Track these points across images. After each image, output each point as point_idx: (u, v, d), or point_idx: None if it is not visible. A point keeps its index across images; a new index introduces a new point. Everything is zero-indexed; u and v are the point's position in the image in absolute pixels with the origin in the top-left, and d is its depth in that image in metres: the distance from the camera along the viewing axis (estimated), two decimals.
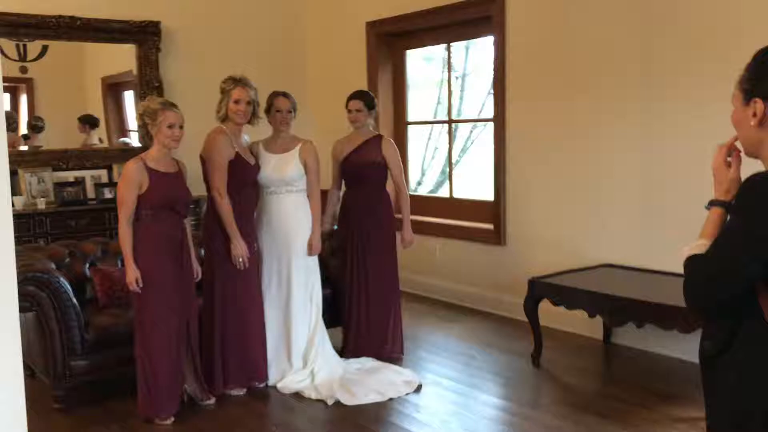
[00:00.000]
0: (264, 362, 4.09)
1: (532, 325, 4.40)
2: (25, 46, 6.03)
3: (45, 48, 6.03)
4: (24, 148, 6.10)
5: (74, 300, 3.77)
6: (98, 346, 3.81)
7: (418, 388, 4.06)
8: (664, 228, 4.46)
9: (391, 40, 6.49)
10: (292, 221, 4.19)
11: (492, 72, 5.51)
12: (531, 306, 4.38)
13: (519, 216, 5.41)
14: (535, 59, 5.18)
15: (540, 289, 4.32)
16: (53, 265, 4.17)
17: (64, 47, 6.08)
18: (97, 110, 6.54)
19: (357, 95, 4.58)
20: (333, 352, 4.35)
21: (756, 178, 1.51)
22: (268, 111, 4.22)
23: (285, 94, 4.22)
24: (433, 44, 6.37)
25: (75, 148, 6.19)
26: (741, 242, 1.49)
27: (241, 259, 3.84)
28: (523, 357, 4.51)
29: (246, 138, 4.15)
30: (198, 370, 3.70)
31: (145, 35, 6.24)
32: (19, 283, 3.52)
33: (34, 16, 5.70)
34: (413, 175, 6.99)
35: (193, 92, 6.52)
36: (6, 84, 6.30)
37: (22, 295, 3.59)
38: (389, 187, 4.65)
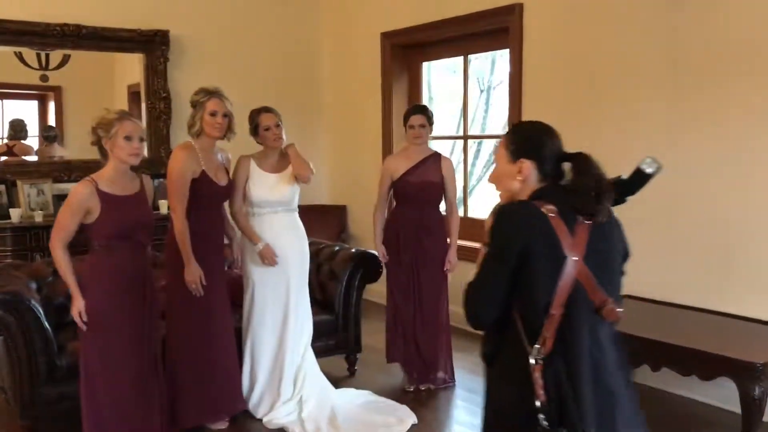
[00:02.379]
0: (238, 391, 3.83)
1: None
2: (47, 55, 5.92)
3: (67, 57, 5.92)
4: (33, 158, 5.99)
5: (45, 324, 3.55)
6: (72, 374, 3.57)
7: (412, 427, 3.76)
8: (687, 257, 4.10)
9: (406, 52, 6.23)
10: (288, 242, 3.95)
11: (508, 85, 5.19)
12: None
13: None
14: (552, 72, 4.86)
15: None
16: (34, 285, 4.00)
17: (92, 56, 5.97)
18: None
19: (419, 110, 4.30)
20: (324, 380, 4.10)
21: (501, 209, 1.92)
22: (255, 132, 3.96)
23: (268, 110, 3.96)
24: (450, 56, 6.08)
25: (80, 159, 6.04)
26: (492, 259, 1.86)
27: (195, 285, 3.54)
28: None
29: (220, 156, 3.85)
30: (163, 407, 3.37)
31: (152, 45, 6.07)
32: None
33: (37, 24, 5.56)
34: None
35: None
36: (33, 92, 6.25)
37: None
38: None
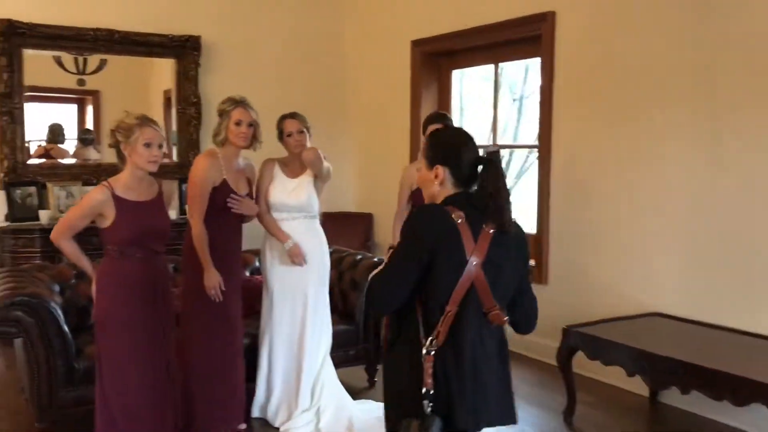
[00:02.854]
0: (242, 402, 3.79)
1: (565, 379, 3.94)
2: (85, 59, 6.00)
3: (104, 62, 5.99)
4: (71, 160, 6.06)
5: (65, 327, 3.55)
6: (90, 377, 3.56)
7: None
8: (721, 275, 3.95)
9: (436, 60, 6.16)
10: (307, 249, 3.91)
11: (539, 95, 5.09)
12: (565, 357, 3.93)
13: (563, 252, 4.94)
14: (584, 83, 4.74)
15: (574, 340, 3.87)
16: (57, 287, 4.02)
17: (129, 61, 6.05)
18: (159, 123, 6.35)
19: (437, 118, 4.08)
20: (342, 391, 4.03)
21: (416, 210, 2.17)
22: (281, 137, 3.95)
23: (293, 115, 3.93)
24: (480, 64, 6.00)
25: (111, 162, 6.09)
26: (403, 256, 2.04)
27: (213, 291, 3.50)
28: (555, 412, 4.05)
29: (243, 164, 3.81)
30: (177, 413, 3.33)
31: (184, 50, 6.11)
32: (6, 306, 3.42)
33: (71, 28, 5.63)
34: None
35: None
36: (72, 96, 6.34)
37: (8, 320, 3.41)
38: None
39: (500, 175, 2.08)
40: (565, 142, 4.90)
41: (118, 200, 2.98)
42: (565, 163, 4.91)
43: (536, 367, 4.90)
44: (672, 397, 4.12)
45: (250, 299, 4.28)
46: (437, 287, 2.00)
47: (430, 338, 1.99)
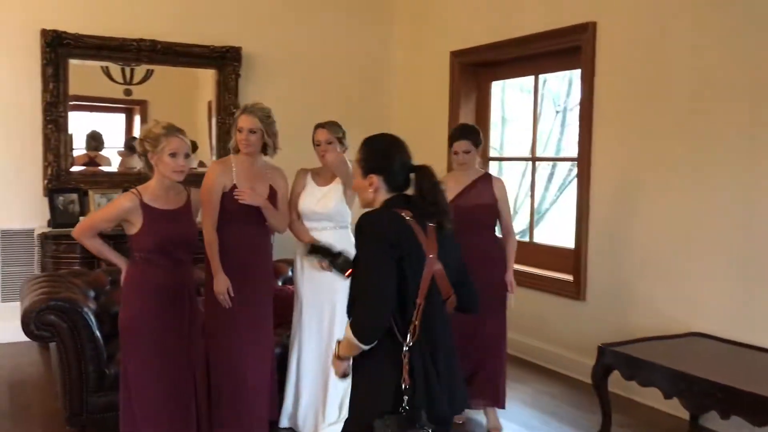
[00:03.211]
0: (267, 409, 3.73)
1: (600, 399, 3.82)
2: (132, 70, 6.12)
3: (150, 72, 6.11)
4: (112, 168, 6.17)
5: (97, 333, 3.59)
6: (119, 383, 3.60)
7: None
8: (766, 295, 3.78)
9: (476, 71, 6.11)
10: None
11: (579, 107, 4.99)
12: (600, 376, 3.81)
13: (601, 268, 4.82)
14: (626, 95, 4.63)
15: (610, 358, 3.75)
16: (92, 293, 4.07)
17: (175, 72, 6.14)
18: (203, 133, 6.49)
19: (463, 134, 4.00)
20: None
21: (364, 219, 2.15)
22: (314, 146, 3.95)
23: (323, 125, 3.91)
24: (520, 76, 5.92)
25: None
26: (375, 266, 2.06)
27: (222, 297, 3.46)
28: None
29: (262, 169, 3.72)
30: (201, 422, 3.30)
31: (224, 60, 6.18)
32: (40, 311, 3.47)
33: (114, 39, 5.75)
34: None
35: None
36: (120, 105, 6.48)
37: (43, 324, 3.47)
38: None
39: (436, 183, 2.19)
40: (606, 156, 4.79)
41: (145, 208, 3.00)
42: (606, 178, 4.79)
43: (570, 385, 4.78)
44: (714, 421, 3.96)
45: (282, 309, 4.27)
46: (408, 283, 2.08)
47: (409, 334, 2.06)
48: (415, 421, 2.02)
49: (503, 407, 4.06)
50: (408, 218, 2.13)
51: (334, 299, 3.84)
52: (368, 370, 2.15)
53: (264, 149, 3.64)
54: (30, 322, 3.44)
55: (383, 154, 2.23)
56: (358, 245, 2.13)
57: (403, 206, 2.17)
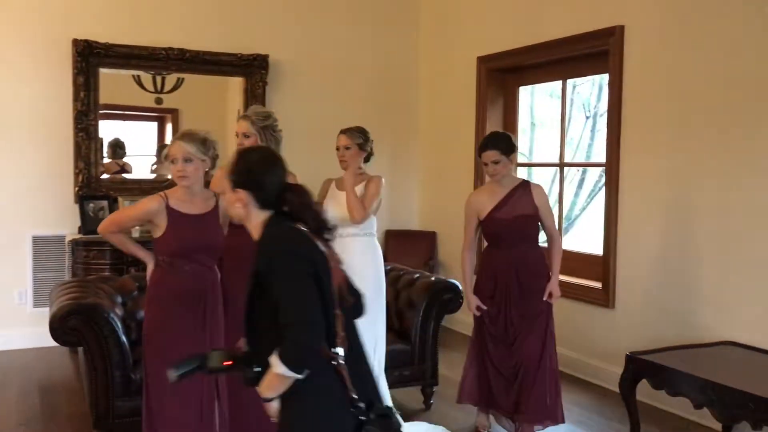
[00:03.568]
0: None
1: (628, 409, 3.74)
2: (163, 78, 6.20)
3: (181, 80, 6.18)
4: (149, 176, 6.25)
5: (123, 338, 3.63)
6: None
7: None
8: None
9: (502, 76, 6.07)
10: (356, 268, 3.84)
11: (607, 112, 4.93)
12: (628, 386, 3.73)
13: (631, 275, 4.74)
14: (655, 100, 4.55)
15: (638, 367, 3.67)
16: (119, 299, 4.11)
17: (205, 80, 6.21)
18: (234, 140, 6.49)
19: (490, 143, 3.75)
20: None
21: (266, 237, 2.06)
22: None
23: (345, 131, 3.91)
24: (548, 80, 5.87)
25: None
26: (297, 284, 1.94)
27: None
28: None
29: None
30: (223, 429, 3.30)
31: (252, 68, 6.22)
32: (66, 316, 3.52)
33: (144, 48, 5.83)
34: None
35: (298, 127, 6.44)
36: (153, 114, 6.58)
37: (69, 329, 3.51)
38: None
39: (308, 203, 2.11)
40: (635, 162, 4.71)
41: (170, 211, 3.03)
42: (634, 184, 4.72)
43: (599, 394, 4.70)
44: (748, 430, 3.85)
45: None
46: (325, 295, 2.00)
47: (338, 347, 1.99)
48: (392, 426, 2.00)
49: (563, 421, 3.87)
50: (305, 229, 2.07)
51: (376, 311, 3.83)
52: (307, 400, 1.99)
53: None
54: (57, 326, 3.49)
55: (254, 170, 2.11)
56: (268, 265, 1.98)
57: (293, 220, 2.10)
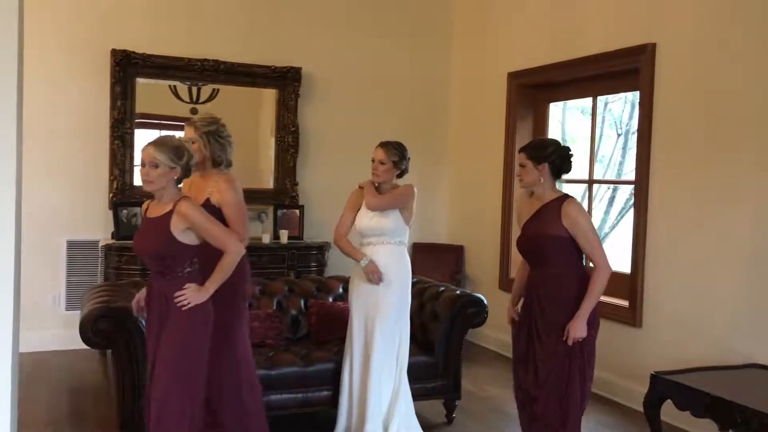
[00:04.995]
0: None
1: (652, 429, 3.69)
2: (198, 89, 6.32)
3: (215, 91, 6.28)
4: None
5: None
6: None
7: None
8: None
9: (532, 92, 6.07)
10: (386, 275, 3.89)
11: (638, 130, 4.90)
12: (652, 405, 3.69)
13: (659, 294, 4.69)
14: (686, 117, 4.52)
15: (662, 387, 3.63)
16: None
17: (240, 91, 6.30)
18: (267, 151, 6.56)
19: (523, 146, 3.53)
20: (416, 423, 3.97)
21: None
22: None
23: (385, 145, 3.93)
24: (578, 97, 5.86)
25: None
26: None
27: None
28: None
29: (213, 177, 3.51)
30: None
31: (285, 80, 6.31)
32: (96, 318, 3.60)
33: (180, 59, 5.96)
34: None
35: (330, 138, 6.54)
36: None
37: (97, 331, 3.58)
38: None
39: None
40: (665, 180, 4.67)
41: (144, 214, 3.20)
42: (664, 202, 4.68)
43: (623, 413, 4.66)
44: None
45: (330, 323, 4.34)
46: None
47: None
48: None
49: None
50: None
51: (377, 306, 3.87)
52: None
53: (214, 162, 3.48)
54: (86, 329, 3.56)
55: None
56: None
57: None
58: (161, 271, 3.07)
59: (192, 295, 3.03)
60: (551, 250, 3.37)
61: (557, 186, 3.48)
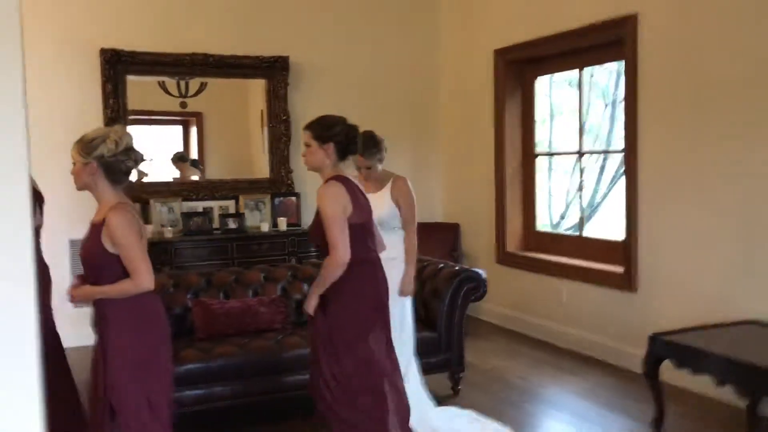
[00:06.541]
0: None
1: (652, 388, 3.82)
2: (186, 83, 6.37)
3: (204, 84, 6.34)
4: (169, 179, 6.44)
5: None
6: (182, 381, 3.77)
7: None
8: None
9: (519, 68, 6.15)
10: (384, 262, 3.98)
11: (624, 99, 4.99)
12: (651, 366, 3.81)
13: (653, 259, 4.81)
14: (670, 86, 4.61)
15: (660, 348, 3.75)
16: None
17: (227, 83, 6.36)
18: (258, 141, 6.68)
19: (306, 125, 3.26)
20: (426, 400, 4.08)
21: None
22: None
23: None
24: (564, 70, 5.94)
25: (210, 179, 6.43)
26: None
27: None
28: (643, 423, 3.94)
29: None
30: None
31: (273, 70, 6.37)
32: None
33: (169, 55, 6.00)
34: (557, 210, 6.56)
35: None
36: (177, 118, 6.74)
37: None
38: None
39: None
40: (652, 147, 4.77)
41: None
42: (653, 169, 4.78)
43: (624, 376, 4.78)
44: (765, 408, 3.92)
45: None
46: None
47: None
48: None
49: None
50: None
51: (403, 301, 3.98)
52: None
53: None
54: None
55: None
56: None
57: None
58: (93, 282, 2.76)
59: (76, 292, 2.80)
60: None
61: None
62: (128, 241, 2.68)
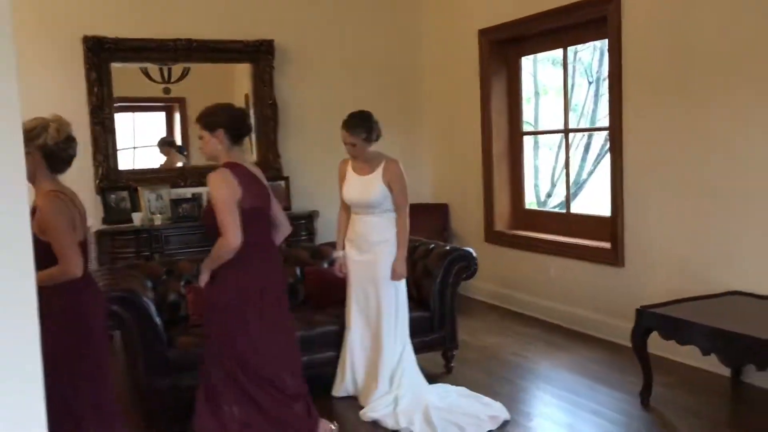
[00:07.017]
0: None
1: (640, 360, 3.93)
2: (169, 69, 6.34)
3: (187, 70, 6.30)
4: (155, 165, 6.44)
5: (157, 320, 3.82)
6: (180, 366, 3.82)
7: (504, 424, 3.74)
8: None
9: (504, 48, 6.18)
10: (376, 244, 4.05)
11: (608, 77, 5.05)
12: (639, 338, 3.91)
13: (639, 234, 4.89)
14: (654, 63, 4.67)
15: (647, 320, 3.85)
16: (150, 283, 4.31)
17: (211, 68, 6.32)
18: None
19: (196, 118, 3.38)
20: (421, 378, 4.16)
21: None
22: None
23: (347, 126, 3.99)
24: (549, 50, 5.98)
25: (194, 165, 6.42)
26: None
27: None
28: (632, 394, 4.04)
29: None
30: None
31: (258, 54, 6.35)
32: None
33: (153, 41, 5.97)
34: (543, 188, 6.62)
35: (307, 109, 6.60)
36: (160, 104, 6.72)
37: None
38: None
39: None
40: (637, 124, 4.84)
41: None
42: (638, 145, 4.85)
43: (613, 350, 4.88)
44: (757, 375, 4.03)
45: (325, 289, 4.50)
46: None
47: None
48: None
49: None
50: None
51: (377, 274, 4.04)
52: None
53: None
54: None
55: None
56: None
57: None
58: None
59: None
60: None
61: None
62: (56, 227, 2.65)
